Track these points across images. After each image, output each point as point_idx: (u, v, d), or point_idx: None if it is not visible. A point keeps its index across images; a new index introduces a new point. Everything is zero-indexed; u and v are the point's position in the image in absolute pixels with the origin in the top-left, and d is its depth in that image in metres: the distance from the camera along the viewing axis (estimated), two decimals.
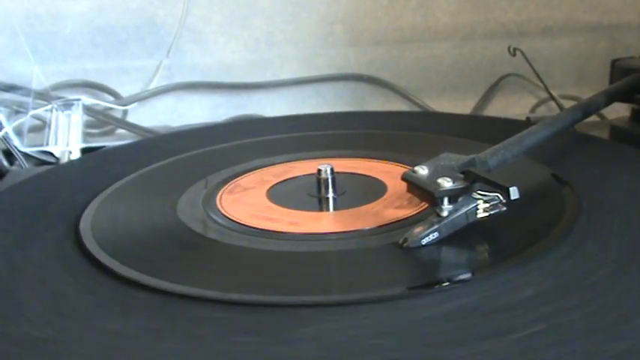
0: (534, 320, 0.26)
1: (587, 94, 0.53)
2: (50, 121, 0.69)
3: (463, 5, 0.81)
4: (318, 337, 0.26)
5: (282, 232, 0.37)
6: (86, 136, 0.71)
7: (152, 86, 0.80)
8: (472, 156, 0.36)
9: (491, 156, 0.37)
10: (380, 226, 0.37)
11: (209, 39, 0.81)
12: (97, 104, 0.76)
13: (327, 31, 0.82)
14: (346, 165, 0.48)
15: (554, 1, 0.81)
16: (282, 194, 0.44)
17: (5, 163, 0.64)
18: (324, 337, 0.26)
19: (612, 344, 0.24)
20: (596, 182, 0.41)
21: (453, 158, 0.36)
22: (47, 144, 0.66)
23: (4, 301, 0.30)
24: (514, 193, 0.31)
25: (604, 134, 0.59)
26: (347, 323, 0.27)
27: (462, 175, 0.34)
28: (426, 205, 0.38)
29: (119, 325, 0.28)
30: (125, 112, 0.78)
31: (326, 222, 0.39)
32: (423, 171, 0.35)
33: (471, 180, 0.33)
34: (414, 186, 0.35)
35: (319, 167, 0.43)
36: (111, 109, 0.77)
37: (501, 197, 0.33)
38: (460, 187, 0.33)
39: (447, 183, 0.33)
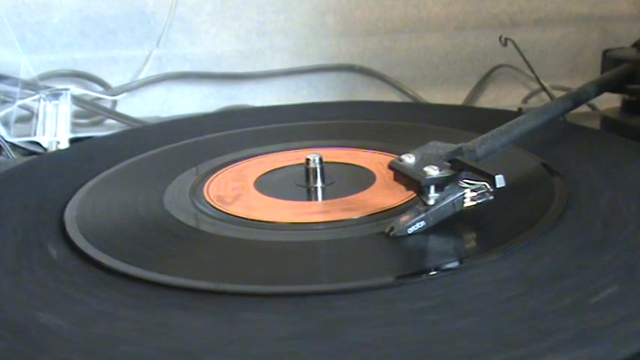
0: (521, 309, 0.26)
1: (579, 84, 0.53)
2: (38, 111, 0.68)
3: None
4: (307, 326, 0.26)
5: (269, 222, 0.37)
6: (75, 126, 0.70)
7: (142, 76, 0.79)
8: (460, 144, 0.36)
9: (480, 145, 0.37)
10: (368, 215, 0.37)
11: (200, 29, 0.80)
12: (86, 94, 0.75)
13: (318, 22, 0.81)
14: (336, 155, 0.48)
15: None
16: (270, 184, 0.44)
17: None
18: (313, 325, 0.26)
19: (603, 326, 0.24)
20: (586, 172, 0.41)
21: (440, 147, 0.36)
22: (35, 134, 0.66)
23: None
24: (500, 181, 0.31)
25: (595, 124, 0.59)
26: (335, 312, 0.27)
27: (448, 164, 0.34)
28: (415, 195, 0.37)
29: (101, 315, 0.27)
30: (114, 103, 0.78)
31: (314, 212, 0.39)
32: (409, 159, 0.34)
33: (458, 168, 0.33)
34: (401, 174, 0.34)
35: (307, 157, 0.43)
36: (100, 99, 0.77)
37: (488, 186, 0.33)
38: (446, 175, 0.33)
39: (433, 171, 0.33)
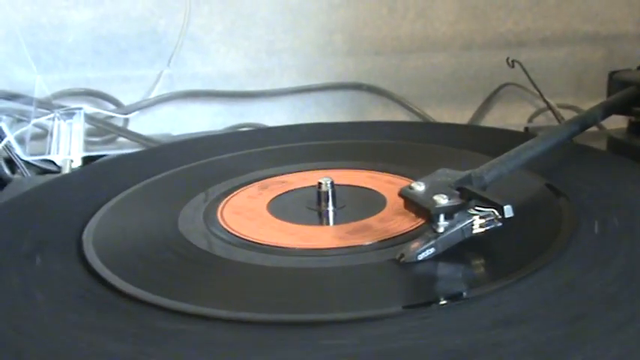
0: (532, 336, 0.26)
1: (584, 103, 0.54)
2: (52, 129, 0.70)
3: (462, 15, 0.81)
4: (314, 356, 0.26)
5: (281, 247, 0.38)
6: (88, 144, 0.71)
7: (153, 95, 0.81)
8: (468, 172, 0.37)
9: (488, 171, 0.38)
10: (379, 241, 0.38)
11: (210, 48, 0.81)
12: (99, 113, 0.76)
13: (326, 41, 0.82)
14: (346, 177, 0.49)
15: (552, 11, 0.82)
16: (282, 207, 0.44)
17: (7, 171, 0.64)
18: (320, 356, 0.26)
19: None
20: (593, 193, 0.42)
21: (449, 174, 0.36)
22: (49, 152, 0.67)
23: (6, 312, 0.31)
24: (508, 211, 0.32)
25: (601, 145, 0.60)
26: (345, 341, 0.27)
27: (458, 192, 0.34)
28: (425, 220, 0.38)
29: (120, 341, 0.28)
30: (126, 121, 0.79)
31: (325, 236, 0.39)
32: (419, 187, 0.35)
33: (467, 197, 0.34)
34: (411, 202, 0.35)
35: (319, 180, 0.44)
36: (112, 117, 0.78)
37: (497, 213, 0.34)
38: (456, 204, 0.34)
39: (442, 200, 0.33)
